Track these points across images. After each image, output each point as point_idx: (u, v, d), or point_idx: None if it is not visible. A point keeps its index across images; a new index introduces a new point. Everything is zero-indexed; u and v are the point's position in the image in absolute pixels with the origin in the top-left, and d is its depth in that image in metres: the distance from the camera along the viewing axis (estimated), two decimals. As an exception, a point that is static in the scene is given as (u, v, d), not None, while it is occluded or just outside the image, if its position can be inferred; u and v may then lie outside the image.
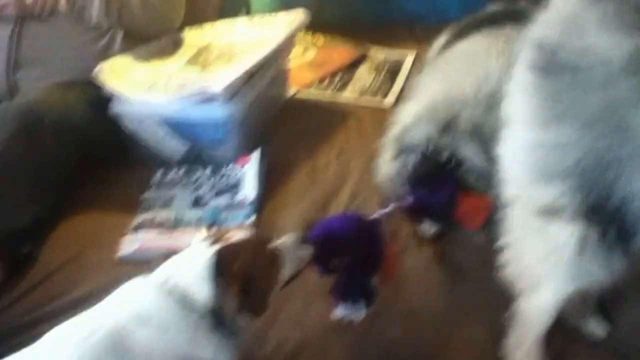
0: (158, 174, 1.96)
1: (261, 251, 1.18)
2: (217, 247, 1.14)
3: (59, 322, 1.11)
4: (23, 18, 1.97)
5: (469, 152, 1.54)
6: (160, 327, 1.09)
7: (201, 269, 1.11)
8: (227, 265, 1.12)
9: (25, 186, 1.70)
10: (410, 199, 1.53)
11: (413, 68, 2.45)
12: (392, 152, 1.66)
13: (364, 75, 2.49)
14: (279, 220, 1.79)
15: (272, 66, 2.13)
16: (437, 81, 1.77)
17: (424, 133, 1.59)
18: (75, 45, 2.01)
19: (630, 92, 0.99)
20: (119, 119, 1.95)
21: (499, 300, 1.33)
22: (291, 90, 2.37)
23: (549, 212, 1.11)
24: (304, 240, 1.27)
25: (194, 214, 1.80)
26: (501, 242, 1.26)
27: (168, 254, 1.19)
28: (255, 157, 1.93)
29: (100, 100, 1.91)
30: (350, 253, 1.35)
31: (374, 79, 2.46)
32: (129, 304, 1.12)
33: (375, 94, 2.37)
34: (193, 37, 2.23)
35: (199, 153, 1.99)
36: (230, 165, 1.95)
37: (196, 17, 2.30)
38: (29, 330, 1.17)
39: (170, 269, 1.15)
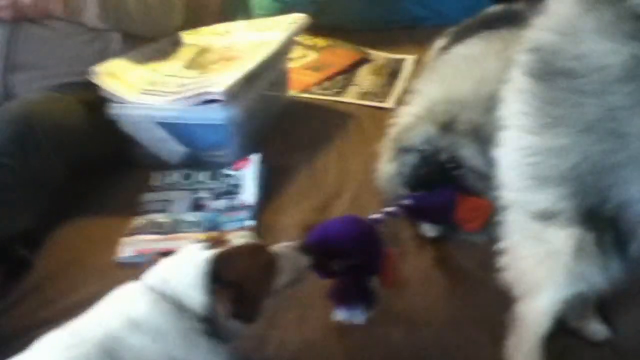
0: (157, 177, 1.95)
1: (256, 259, 1.17)
2: (211, 251, 1.14)
3: (58, 327, 1.11)
4: (19, 20, 1.95)
5: (468, 154, 1.54)
6: (153, 333, 1.08)
7: (194, 276, 1.11)
8: (220, 273, 1.11)
9: (20, 191, 1.69)
10: (409, 201, 1.53)
11: (413, 71, 2.44)
12: (392, 154, 1.66)
13: (364, 78, 2.49)
14: (279, 223, 1.79)
15: (272, 68, 2.13)
16: (436, 83, 1.77)
17: (423, 134, 1.59)
18: (71, 47, 1.99)
19: (626, 98, 0.99)
20: (117, 121, 1.95)
21: (499, 303, 1.32)
22: (292, 93, 2.37)
23: (546, 217, 1.11)
24: (302, 247, 1.27)
25: (193, 217, 1.79)
26: (500, 245, 1.26)
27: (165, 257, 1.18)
28: (255, 159, 1.92)
29: (97, 103, 1.90)
30: (348, 256, 1.34)
31: (374, 81, 2.46)
32: (121, 310, 1.11)
33: (375, 96, 2.37)
34: (192, 39, 2.22)
35: (199, 156, 1.99)
36: (230, 168, 1.95)
37: (196, 19, 2.30)
38: (27, 335, 1.16)
39: (162, 273, 1.15)
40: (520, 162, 1.12)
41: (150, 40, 2.12)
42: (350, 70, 2.53)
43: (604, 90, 1.01)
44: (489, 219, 1.41)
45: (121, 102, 1.91)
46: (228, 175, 1.93)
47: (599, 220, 1.07)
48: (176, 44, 2.18)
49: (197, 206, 1.85)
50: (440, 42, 2.02)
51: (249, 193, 1.85)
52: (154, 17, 2.07)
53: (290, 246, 1.25)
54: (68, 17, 1.98)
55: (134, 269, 1.24)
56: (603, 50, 1.00)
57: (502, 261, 1.26)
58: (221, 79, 1.91)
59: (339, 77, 2.50)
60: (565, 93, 1.04)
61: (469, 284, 1.56)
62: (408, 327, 1.46)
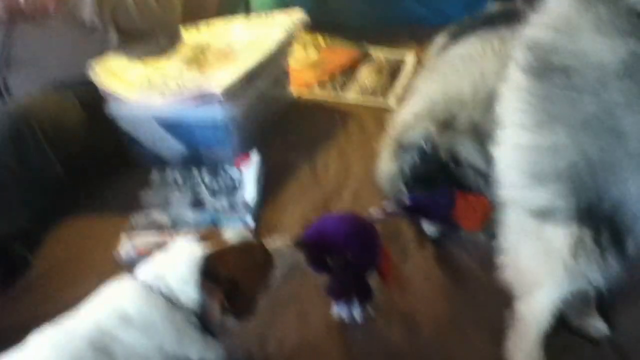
0: (156, 176, 1.96)
1: (249, 255, 1.17)
2: (204, 248, 1.14)
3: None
4: (14, 19, 1.95)
5: (468, 151, 1.54)
6: (145, 328, 1.08)
7: (187, 272, 1.11)
8: (213, 270, 1.11)
9: (18, 190, 1.70)
10: (409, 199, 1.53)
11: (414, 69, 2.44)
12: (391, 151, 1.66)
13: (364, 76, 2.49)
14: (279, 221, 1.79)
15: (272, 67, 2.13)
16: (435, 82, 1.77)
17: (422, 132, 1.59)
18: (68, 45, 1.99)
19: (623, 95, 0.99)
20: (116, 120, 1.95)
21: (499, 301, 1.32)
22: (292, 91, 2.37)
23: (543, 214, 1.11)
24: (296, 242, 1.27)
25: (192, 215, 1.80)
26: (499, 243, 1.26)
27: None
28: (255, 157, 1.93)
29: (96, 102, 1.90)
30: (343, 252, 1.34)
31: (374, 79, 2.46)
32: (113, 305, 1.11)
33: (376, 94, 2.38)
34: (191, 36, 2.22)
35: (198, 154, 1.99)
36: (230, 167, 1.95)
37: (194, 16, 2.29)
38: (26, 331, 1.16)
39: (156, 268, 1.15)
40: (517, 160, 1.12)
41: (147, 37, 2.10)
42: (351, 69, 2.53)
43: (600, 87, 1.00)
44: (488, 217, 1.41)
45: (120, 100, 1.91)
46: (228, 174, 1.94)
47: (596, 217, 1.06)
48: (175, 42, 2.17)
49: (197, 204, 1.85)
50: (439, 41, 2.01)
51: (248, 191, 1.86)
52: (152, 14, 2.06)
53: (284, 242, 1.25)
54: (64, 14, 1.96)
55: (133, 266, 1.24)
56: (600, 47, 1.00)
57: (502, 259, 1.26)
58: (221, 78, 1.91)
59: (340, 75, 2.50)
60: (562, 90, 1.04)
61: (469, 283, 1.56)
62: (407, 325, 1.46)
